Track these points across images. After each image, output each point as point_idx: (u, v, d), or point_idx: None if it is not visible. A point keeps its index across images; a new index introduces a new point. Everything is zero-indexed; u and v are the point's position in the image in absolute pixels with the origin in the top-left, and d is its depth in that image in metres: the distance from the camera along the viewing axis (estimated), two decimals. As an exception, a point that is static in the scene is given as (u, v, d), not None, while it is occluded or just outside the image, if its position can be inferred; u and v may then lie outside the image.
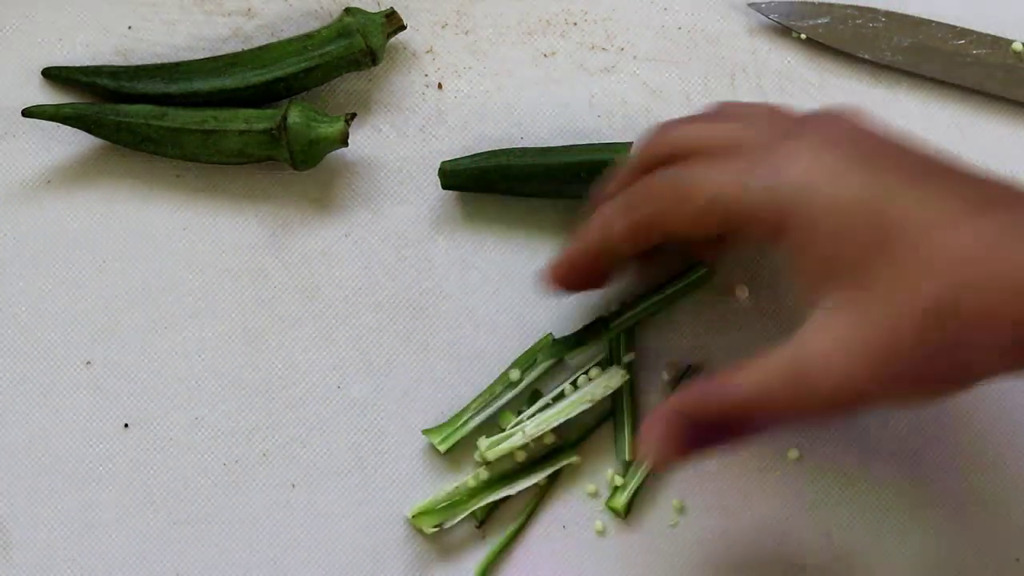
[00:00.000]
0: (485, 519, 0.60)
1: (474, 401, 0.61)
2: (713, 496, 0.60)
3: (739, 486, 0.60)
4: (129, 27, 0.65)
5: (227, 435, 0.61)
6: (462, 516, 0.59)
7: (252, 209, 0.63)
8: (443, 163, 0.62)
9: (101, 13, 0.65)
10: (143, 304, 0.62)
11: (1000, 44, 0.64)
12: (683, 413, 0.51)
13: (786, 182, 0.50)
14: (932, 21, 0.65)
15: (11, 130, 0.63)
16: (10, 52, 0.64)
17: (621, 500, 0.60)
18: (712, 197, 0.52)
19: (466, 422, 0.60)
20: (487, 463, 0.60)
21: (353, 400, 0.61)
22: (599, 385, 0.60)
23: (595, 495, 0.60)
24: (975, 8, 0.65)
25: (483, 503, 0.59)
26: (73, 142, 0.63)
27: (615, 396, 0.61)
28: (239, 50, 0.64)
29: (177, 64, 0.64)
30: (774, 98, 0.65)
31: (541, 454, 0.61)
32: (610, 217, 0.55)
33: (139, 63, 0.64)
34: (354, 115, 0.62)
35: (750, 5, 0.66)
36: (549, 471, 0.60)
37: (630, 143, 0.61)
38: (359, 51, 0.63)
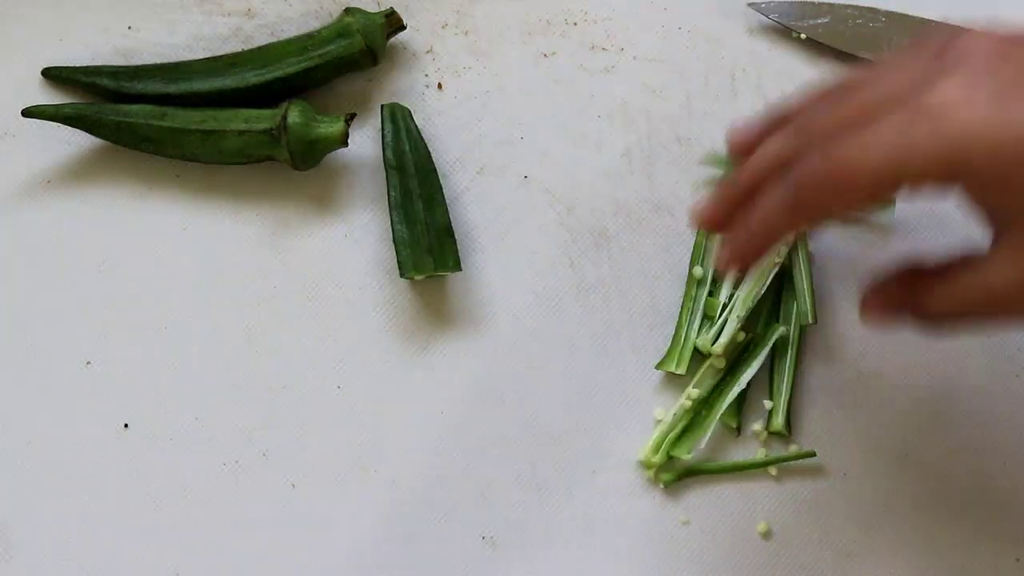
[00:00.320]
0: (740, 422, 0.61)
1: (682, 312, 0.62)
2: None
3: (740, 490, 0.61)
4: (129, 27, 0.65)
5: (227, 435, 0.61)
6: (711, 428, 0.60)
7: (252, 209, 0.63)
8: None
9: (101, 13, 0.65)
10: (143, 304, 0.62)
11: None
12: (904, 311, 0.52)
13: (953, 131, 0.46)
14: (933, 21, 0.65)
15: (11, 130, 0.63)
16: (10, 52, 0.64)
17: (779, 422, 0.61)
18: (877, 169, 0.47)
19: (687, 334, 0.61)
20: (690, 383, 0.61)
21: (353, 400, 0.61)
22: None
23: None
24: (977, 8, 0.65)
25: (725, 405, 0.60)
26: (73, 142, 0.63)
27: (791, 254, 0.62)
28: (239, 50, 0.64)
29: (177, 64, 0.64)
30: (774, 97, 0.65)
31: (736, 354, 0.62)
32: (771, 215, 0.51)
33: (139, 63, 0.64)
34: (354, 115, 0.62)
35: (750, 5, 0.66)
36: (763, 353, 0.61)
37: None
38: (359, 51, 0.63)
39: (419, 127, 0.64)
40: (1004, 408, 0.62)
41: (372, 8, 0.64)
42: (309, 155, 0.62)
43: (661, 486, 0.60)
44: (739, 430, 0.61)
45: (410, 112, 0.63)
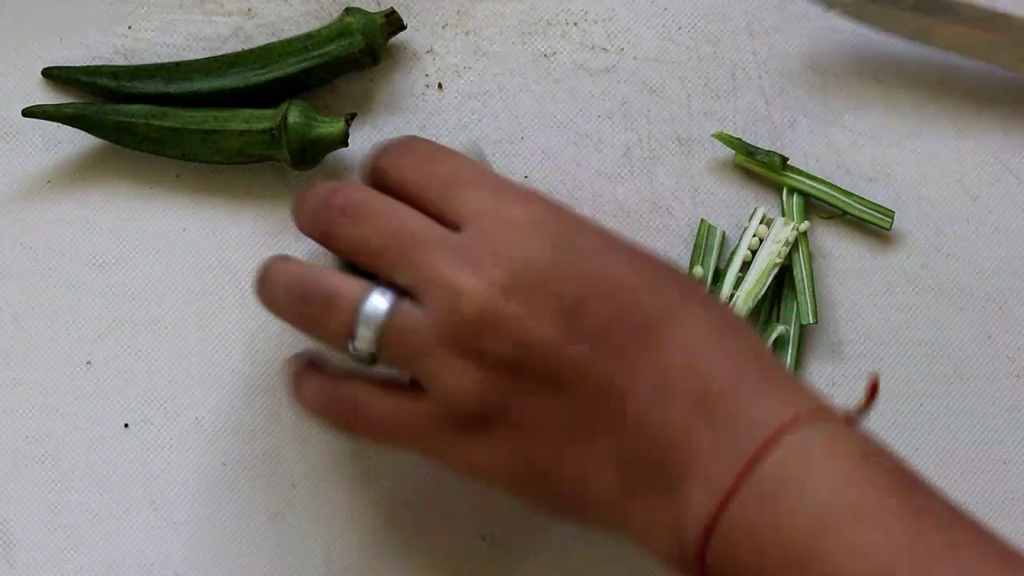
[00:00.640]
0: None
1: None
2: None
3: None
4: (129, 27, 0.65)
5: (227, 435, 0.61)
6: None
7: (252, 209, 0.63)
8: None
9: (101, 13, 0.65)
10: (143, 304, 0.62)
11: None
12: None
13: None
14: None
15: (11, 130, 0.63)
16: (10, 52, 0.64)
17: None
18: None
19: None
20: None
21: (353, 400, 0.61)
22: (778, 240, 0.61)
23: None
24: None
25: None
26: (73, 142, 0.63)
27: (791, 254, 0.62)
28: (239, 50, 0.64)
29: (177, 64, 0.64)
30: (774, 97, 0.65)
31: None
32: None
33: (139, 63, 0.64)
34: (354, 115, 0.62)
35: None
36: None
37: None
38: (359, 51, 0.63)
39: (419, 127, 0.64)
40: (1004, 408, 0.62)
41: (372, 8, 0.64)
42: (309, 155, 0.62)
43: None
44: None
45: None
